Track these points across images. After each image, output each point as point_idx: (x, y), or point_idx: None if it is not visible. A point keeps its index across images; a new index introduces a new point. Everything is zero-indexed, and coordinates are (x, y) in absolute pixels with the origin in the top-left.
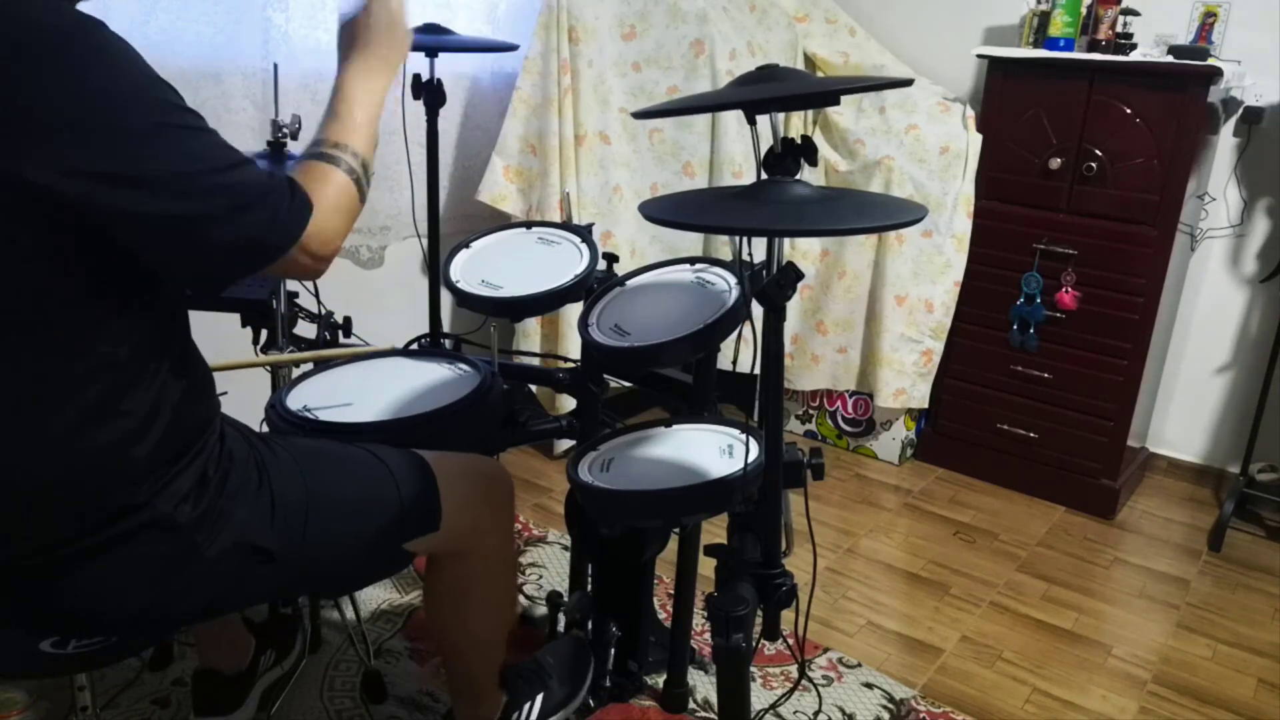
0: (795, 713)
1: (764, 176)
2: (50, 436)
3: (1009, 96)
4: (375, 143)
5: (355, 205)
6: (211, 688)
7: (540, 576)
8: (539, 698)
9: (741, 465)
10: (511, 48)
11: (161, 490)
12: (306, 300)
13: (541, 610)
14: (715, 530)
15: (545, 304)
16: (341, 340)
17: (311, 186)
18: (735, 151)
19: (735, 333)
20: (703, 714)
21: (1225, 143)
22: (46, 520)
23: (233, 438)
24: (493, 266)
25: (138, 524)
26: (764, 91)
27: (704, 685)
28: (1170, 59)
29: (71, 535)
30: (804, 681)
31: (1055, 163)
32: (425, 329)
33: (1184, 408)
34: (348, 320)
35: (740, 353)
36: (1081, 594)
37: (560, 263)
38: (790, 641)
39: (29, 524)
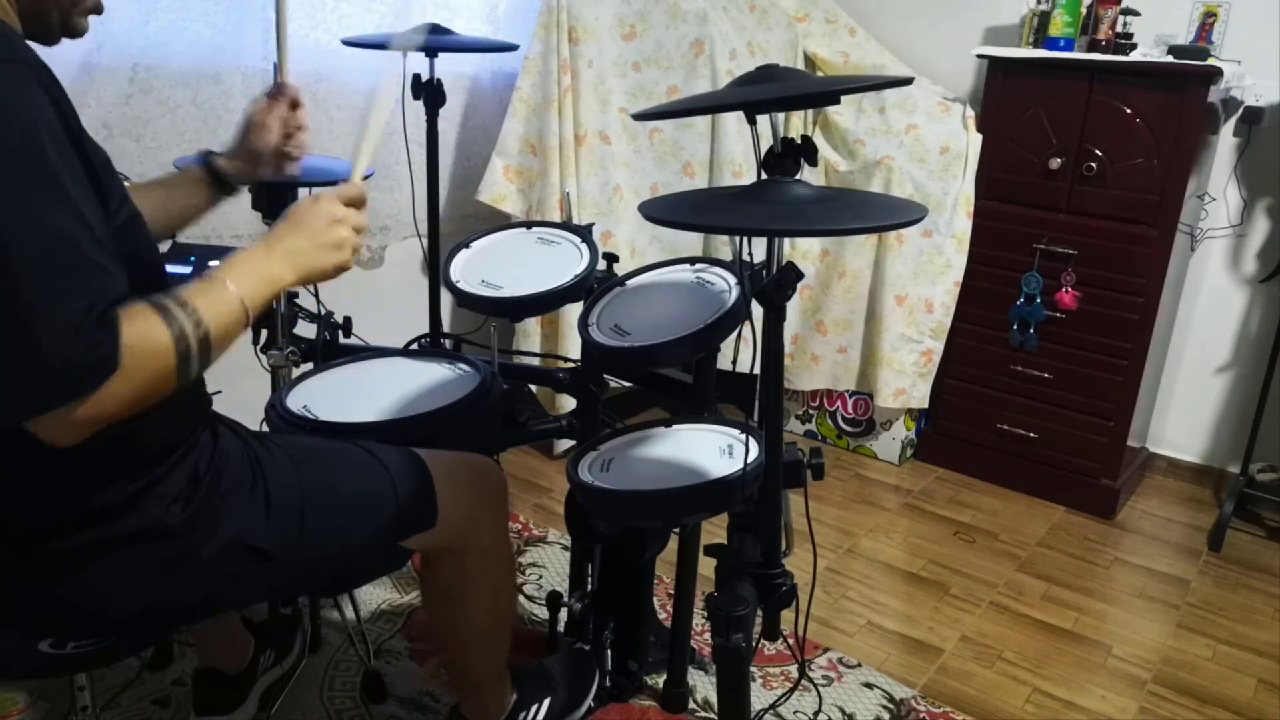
0: (795, 713)
1: (764, 176)
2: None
3: (1009, 96)
4: (234, 330)
5: (161, 378)
6: (211, 687)
7: (540, 576)
8: (546, 701)
9: (741, 465)
10: (511, 48)
11: (148, 491)
12: (306, 300)
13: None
14: (715, 530)
15: (545, 304)
16: (341, 340)
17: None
18: (735, 151)
19: (735, 333)
20: (703, 714)
21: (1225, 143)
22: (28, 518)
23: (226, 436)
24: (493, 266)
25: (127, 527)
26: (764, 92)
27: (704, 685)
28: (1170, 59)
29: (53, 534)
30: (804, 681)
31: (1055, 163)
32: (425, 329)
33: (1184, 408)
34: (348, 320)
35: (740, 353)
36: (1081, 594)
37: (560, 263)
38: (790, 641)
39: (10, 521)
